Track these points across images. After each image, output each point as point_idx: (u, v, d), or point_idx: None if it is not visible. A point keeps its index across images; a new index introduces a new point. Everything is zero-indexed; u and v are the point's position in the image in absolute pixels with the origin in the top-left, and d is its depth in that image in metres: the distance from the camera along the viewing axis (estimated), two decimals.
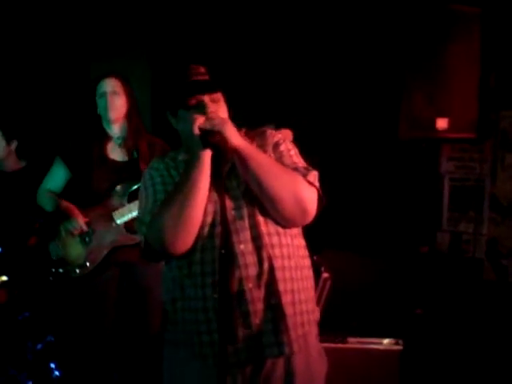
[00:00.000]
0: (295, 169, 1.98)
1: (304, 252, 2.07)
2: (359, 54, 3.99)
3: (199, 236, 1.92)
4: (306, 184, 1.94)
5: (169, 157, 2.11)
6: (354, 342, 3.20)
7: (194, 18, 4.39)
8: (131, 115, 3.25)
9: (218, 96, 2.00)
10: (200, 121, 1.88)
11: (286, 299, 1.94)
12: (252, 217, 1.94)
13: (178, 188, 1.91)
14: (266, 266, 1.92)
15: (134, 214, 3.01)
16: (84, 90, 4.49)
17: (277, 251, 1.95)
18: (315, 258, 3.32)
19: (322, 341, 3.11)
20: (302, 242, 2.07)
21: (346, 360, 3.16)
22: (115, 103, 3.19)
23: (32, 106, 4.61)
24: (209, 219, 1.93)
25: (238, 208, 1.94)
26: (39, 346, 3.67)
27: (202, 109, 1.93)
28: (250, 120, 2.20)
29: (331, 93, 4.11)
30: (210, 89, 1.98)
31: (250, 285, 1.90)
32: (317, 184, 1.99)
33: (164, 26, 4.48)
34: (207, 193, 1.91)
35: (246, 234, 1.93)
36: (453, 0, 3.44)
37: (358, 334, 3.24)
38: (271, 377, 1.95)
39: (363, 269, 3.61)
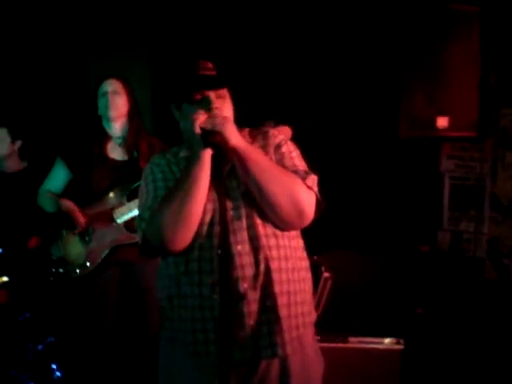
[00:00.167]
0: (295, 172, 1.98)
1: (302, 253, 2.07)
2: (359, 53, 3.98)
3: (198, 234, 1.92)
4: (305, 187, 1.94)
5: (170, 153, 2.11)
6: (354, 342, 3.20)
7: (194, 18, 4.39)
8: (132, 115, 3.27)
9: (224, 92, 1.99)
10: (201, 119, 1.88)
11: (281, 301, 1.93)
12: (250, 218, 1.94)
13: (179, 185, 1.91)
14: (262, 267, 1.92)
15: (134, 212, 3.01)
16: (84, 90, 4.50)
17: (274, 253, 1.95)
18: (316, 257, 3.33)
19: (322, 340, 3.15)
20: (300, 243, 2.07)
21: (347, 360, 3.16)
22: (116, 102, 3.21)
23: (32, 107, 4.61)
24: (208, 218, 1.93)
25: (236, 208, 1.94)
26: (40, 347, 3.67)
27: (206, 104, 1.92)
28: (250, 117, 2.20)
29: (331, 92, 4.11)
30: (216, 85, 1.97)
31: (246, 286, 1.90)
32: (315, 188, 1.99)
33: (164, 26, 4.48)
34: (207, 191, 1.91)
35: (244, 235, 1.93)
36: None
37: (359, 333, 3.24)
38: (266, 378, 1.95)
39: (364, 268, 3.60)
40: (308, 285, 2.07)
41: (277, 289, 1.93)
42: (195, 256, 1.93)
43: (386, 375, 3.16)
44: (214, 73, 2.02)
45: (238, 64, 4.02)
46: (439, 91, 3.40)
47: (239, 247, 1.91)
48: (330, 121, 4.14)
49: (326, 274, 3.29)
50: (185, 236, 1.90)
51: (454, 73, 3.38)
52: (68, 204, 3.20)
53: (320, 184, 2.05)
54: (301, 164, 2.05)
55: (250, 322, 1.90)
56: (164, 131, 3.59)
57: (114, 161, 3.25)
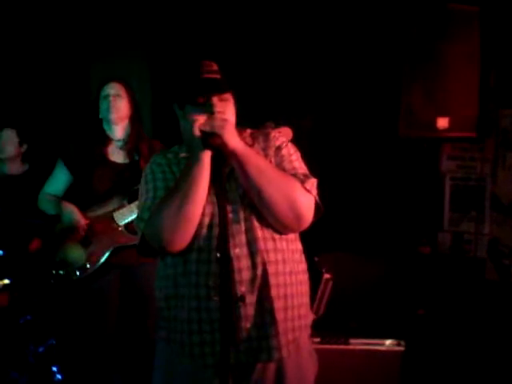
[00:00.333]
0: (294, 175, 1.98)
1: (300, 257, 2.07)
2: (359, 53, 3.98)
3: (196, 236, 1.92)
4: (303, 191, 1.94)
5: (171, 152, 2.11)
6: (356, 343, 3.20)
7: (193, 19, 4.38)
8: (133, 118, 3.28)
9: (227, 95, 1.99)
10: (200, 121, 1.88)
11: (278, 304, 1.94)
12: (248, 221, 1.94)
13: (178, 186, 1.91)
14: (259, 270, 1.92)
15: (135, 215, 3.01)
16: (84, 92, 4.50)
17: (271, 256, 1.95)
18: (316, 259, 3.32)
19: (324, 342, 3.16)
20: (298, 246, 2.07)
21: (348, 361, 3.17)
22: (118, 105, 3.21)
23: (33, 109, 4.61)
24: (207, 220, 1.93)
25: (234, 211, 1.94)
26: (41, 349, 3.66)
27: (209, 107, 1.92)
28: (250, 118, 2.20)
29: (332, 92, 4.11)
30: (220, 89, 1.97)
31: (244, 289, 1.90)
32: (314, 192, 1.98)
33: (163, 27, 4.48)
34: (206, 192, 1.91)
35: (242, 238, 1.93)
36: None
37: (360, 335, 3.24)
38: (262, 380, 1.96)
39: (365, 269, 3.60)
40: (305, 287, 2.07)
41: (273, 292, 1.93)
42: (193, 257, 1.93)
43: (386, 377, 3.16)
44: (218, 76, 2.01)
45: (238, 65, 4.01)
46: (439, 91, 3.41)
47: (237, 250, 1.91)
48: (331, 122, 4.14)
49: (327, 276, 3.28)
50: (183, 237, 1.90)
51: (453, 73, 3.38)
52: (69, 206, 3.20)
53: (321, 185, 2.05)
54: (300, 167, 2.05)
55: (247, 324, 1.91)
56: (164, 132, 3.59)
57: (114, 164, 3.25)
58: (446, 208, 3.92)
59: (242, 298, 1.89)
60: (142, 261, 2.97)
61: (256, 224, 1.94)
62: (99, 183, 3.20)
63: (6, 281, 3.68)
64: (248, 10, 4.19)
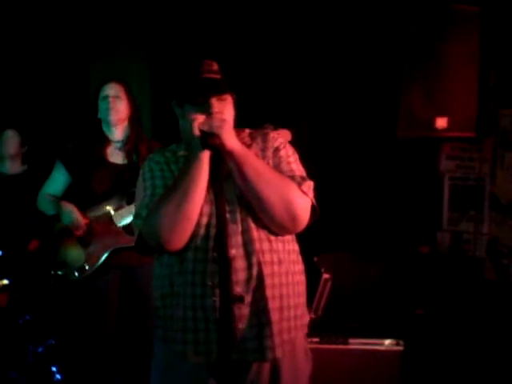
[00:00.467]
0: (291, 177, 1.98)
1: (296, 257, 2.07)
2: (358, 53, 3.98)
3: (194, 235, 1.92)
4: (300, 192, 1.94)
5: (169, 151, 2.11)
6: (355, 343, 3.21)
7: (193, 19, 4.38)
8: (132, 120, 3.27)
9: (226, 95, 2.00)
10: (199, 121, 1.88)
11: (273, 305, 1.94)
12: (245, 222, 1.95)
13: (177, 185, 1.91)
14: (254, 271, 1.92)
15: None
16: (83, 92, 4.50)
17: (267, 257, 1.95)
18: (316, 259, 3.33)
19: (323, 342, 3.16)
20: (294, 247, 2.07)
21: (348, 361, 3.17)
22: (117, 106, 3.20)
23: (32, 109, 4.61)
24: (204, 220, 1.93)
25: (231, 212, 1.94)
26: (40, 349, 3.67)
27: (207, 108, 1.93)
28: (249, 121, 2.20)
29: (330, 92, 4.11)
30: (219, 90, 1.97)
31: (239, 289, 1.90)
32: (311, 194, 1.98)
33: (163, 27, 4.48)
34: (205, 191, 1.92)
35: (238, 239, 1.93)
36: None
37: (359, 334, 3.24)
38: (257, 380, 1.96)
39: (364, 269, 3.61)
40: (302, 288, 2.07)
41: (269, 293, 1.93)
42: (190, 256, 1.93)
43: (386, 376, 3.17)
44: (218, 76, 2.01)
45: (237, 69, 4.01)
46: (438, 91, 3.40)
47: (233, 251, 1.91)
48: (329, 122, 4.14)
49: (326, 276, 3.29)
50: (181, 236, 1.90)
51: (453, 73, 3.38)
52: (68, 206, 3.20)
53: (320, 185, 2.06)
54: (298, 169, 2.05)
55: (242, 324, 1.91)
56: (163, 132, 3.59)
57: (113, 164, 3.24)
58: (444, 208, 3.92)
59: (241, 299, 1.89)
60: (142, 261, 2.97)
61: (252, 225, 1.95)
62: (98, 184, 3.19)
63: (5, 281, 3.68)
64: (247, 13, 4.19)
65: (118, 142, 3.27)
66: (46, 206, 3.33)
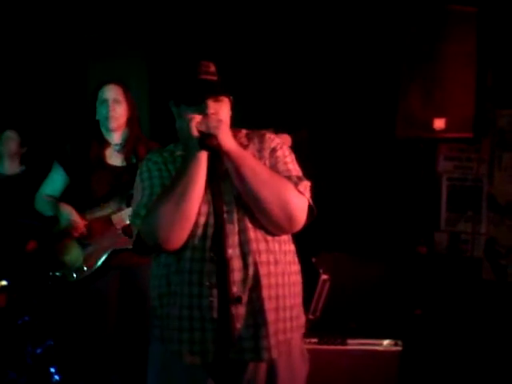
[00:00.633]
0: (288, 177, 1.99)
1: (293, 258, 2.08)
2: (356, 53, 3.99)
3: (191, 235, 1.92)
4: (296, 193, 1.95)
5: (167, 151, 2.12)
6: (353, 344, 3.21)
7: (192, 18, 4.38)
8: (131, 123, 3.25)
9: (222, 97, 2.00)
10: (196, 120, 1.90)
11: (269, 305, 1.94)
12: (241, 222, 1.95)
13: (175, 184, 1.91)
14: (251, 271, 1.93)
15: None
16: (81, 92, 4.49)
17: (263, 257, 1.95)
18: (314, 259, 3.33)
19: (321, 343, 3.16)
20: (291, 247, 2.08)
21: (346, 361, 3.17)
22: (116, 112, 3.18)
23: (30, 109, 4.60)
24: (202, 220, 1.94)
25: (228, 212, 1.95)
26: (39, 350, 3.67)
27: (203, 109, 1.94)
28: (248, 124, 2.21)
29: (328, 93, 4.11)
30: (215, 91, 1.98)
31: (235, 289, 1.91)
32: (308, 194, 1.99)
33: (161, 26, 4.48)
34: (203, 191, 1.92)
35: (235, 239, 1.94)
36: (449, 0, 3.44)
37: (358, 335, 3.24)
38: (254, 380, 1.97)
39: (362, 270, 3.61)
40: (298, 288, 2.08)
41: (265, 293, 1.94)
42: (187, 256, 1.94)
43: (384, 377, 3.17)
44: (214, 77, 2.02)
45: (233, 69, 4.01)
46: (436, 92, 3.41)
47: (230, 251, 1.92)
48: (327, 121, 4.14)
49: (324, 276, 3.29)
50: (180, 235, 1.91)
51: (450, 74, 3.38)
52: (66, 207, 3.19)
53: (318, 185, 2.06)
54: (295, 169, 2.06)
55: (238, 325, 1.91)
56: (162, 132, 3.59)
57: (112, 167, 3.23)
58: (442, 208, 3.92)
59: (239, 299, 1.89)
60: (141, 262, 2.97)
61: (249, 225, 1.95)
62: (97, 186, 3.18)
63: (4, 282, 3.69)
64: (248, 18, 4.20)
65: (116, 144, 3.26)
66: (43, 206, 3.33)
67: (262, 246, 1.96)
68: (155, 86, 4.59)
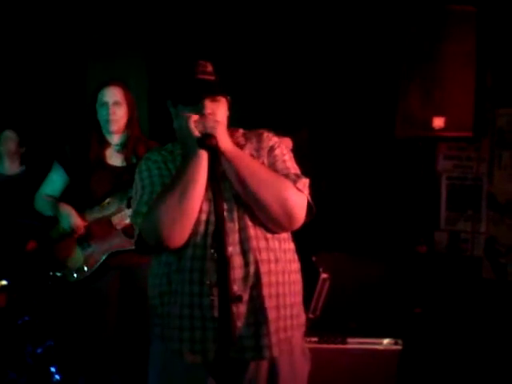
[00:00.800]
0: (286, 175, 2.00)
1: (292, 256, 2.08)
2: (356, 53, 3.99)
3: (192, 232, 1.93)
4: (295, 190, 1.96)
5: (166, 149, 2.12)
6: (353, 343, 3.21)
7: (192, 18, 4.38)
8: (132, 124, 3.23)
9: (219, 96, 2.00)
10: (194, 119, 1.91)
11: (269, 303, 1.94)
12: (241, 220, 1.96)
13: (176, 181, 1.92)
14: (252, 269, 1.93)
15: None
16: (80, 91, 4.49)
17: (264, 255, 1.96)
18: (314, 258, 3.33)
19: (321, 342, 3.16)
20: (290, 246, 2.08)
21: (346, 360, 3.17)
22: (117, 114, 3.17)
23: (29, 110, 4.60)
24: (203, 217, 1.94)
25: (229, 210, 1.95)
26: (39, 350, 3.67)
27: (200, 109, 1.95)
28: (247, 123, 2.21)
29: (328, 92, 4.11)
30: (212, 91, 1.99)
31: (236, 287, 1.90)
32: (306, 191, 2.00)
33: (161, 26, 4.48)
34: (204, 188, 1.93)
35: (235, 237, 1.94)
36: (449, 0, 3.44)
37: (358, 334, 3.24)
38: (255, 379, 1.97)
39: (362, 269, 3.61)
40: (298, 287, 2.08)
41: (265, 291, 1.94)
42: (188, 254, 1.94)
43: (384, 376, 3.17)
44: (212, 77, 2.02)
45: (233, 70, 4.02)
46: (435, 91, 3.41)
47: (230, 249, 1.91)
48: (327, 121, 4.14)
49: (324, 275, 3.29)
50: (182, 232, 1.91)
51: (450, 73, 3.38)
52: (66, 208, 3.19)
53: (317, 185, 2.06)
54: (293, 167, 2.06)
55: (239, 323, 1.91)
56: (161, 132, 3.59)
57: (112, 167, 3.23)
58: (442, 207, 3.93)
59: (240, 298, 1.89)
60: (141, 261, 2.96)
61: (249, 223, 1.96)
62: (97, 186, 3.17)
63: (4, 282, 3.69)
64: (248, 19, 4.20)
65: (117, 145, 3.26)
66: (43, 206, 3.32)
67: (262, 243, 1.96)
68: (154, 86, 4.59)
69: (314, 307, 3.27)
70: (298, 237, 2.11)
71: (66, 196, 3.31)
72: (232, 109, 2.07)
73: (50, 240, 3.27)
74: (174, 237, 1.90)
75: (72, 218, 3.15)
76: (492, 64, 3.61)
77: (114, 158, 3.25)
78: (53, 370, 3.66)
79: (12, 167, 4.16)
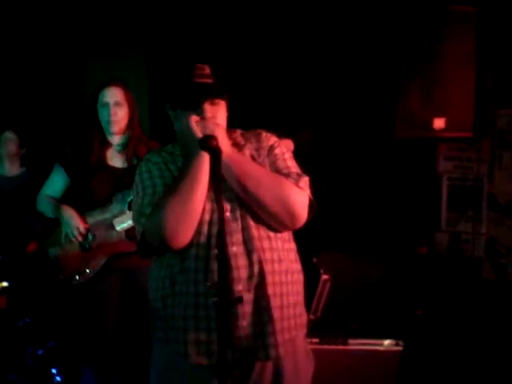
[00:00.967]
0: (287, 174, 2.01)
1: (295, 256, 2.09)
2: (356, 53, 3.99)
3: (196, 232, 1.93)
4: (297, 189, 1.97)
5: (166, 151, 2.12)
6: (354, 344, 3.21)
7: (192, 18, 4.38)
8: (133, 125, 3.23)
9: (219, 99, 2.01)
10: (195, 119, 1.92)
11: (274, 303, 1.95)
12: (244, 220, 1.97)
13: (180, 182, 1.92)
14: (256, 269, 1.93)
15: None
16: (80, 91, 4.49)
17: (267, 255, 1.96)
18: (315, 260, 3.33)
19: (322, 343, 3.16)
20: (292, 246, 2.09)
21: (347, 361, 3.18)
22: (118, 115, 3.16)
23: (29, 110, 4.60)
24: (206, 217, 1.95)
25: (232, 210, 1.96)
26: (40, 352, 3.67)
27: (200, 112, 1.95)
28: (248, 124, 2.21)
29: (328, 93, 4.11)
30: (211, 94, 1.99)
31: (241, 287, 1.91)
32: (308, 190, 2.01)
33: (161, 26, 4.48)
34: (206, 188, 1.93)
35: (239, 237, 1.95)
36: (449, 0, 3.45)
37: (359, 335, 3.25)
38: (260, 379, 1.97)
39: (362, 270, 3.61)
40: (300, 287, 2.08)
41: (270, 290, 1.94)
42: (192, 254, 1.94)
43: (385, 376, 3.17)
44: (210, 80, 2.02)
45: (233, 70, 4.02)
46: (435, 91, 3.41)
47: (234, 248, 1.93)
48: (327, 122, 4.14)
49: (325, 276, 3.29)
50: (185, 233, 1.91)
51: (450, 73, 3.39)
52: (68, 211, 3.18)
53: (318, 186, 2.07)
54: (293, 165, 2.07)
55: (244, 323, 1.91)
56: (161, 132, 3.58)
57: (113, 168, 3.22)
58: (443, 208, 3.93)
59: (240, 300, 1.89)
60: (142, 264, 2.96)
61: (251, 223, 1.97)
62: (98, 187, 3.16)
63: (5, 283, 3.68)
64: (248, 20, 4.20)
65: (118, 145, 3.25)
66: (45, 207, 3.31)
67: (266, 243, 1.97)
68: (155, 86, 4.59)
69: (314, 308, 3.27)
70: (299, 238, 2.12)
71: (68, 197, 3.31)
72: (233, 110, 2.08)
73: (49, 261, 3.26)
74: (177, 237, 1.90)
75: (74, 220, 3.14)
76: (492, 64, 3.61)
77: (115, 159, 3.24)
78: (54, 371, 3.66)
79: (12, 169, 4.16)
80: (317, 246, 3.57)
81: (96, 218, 3.17)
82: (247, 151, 2.05)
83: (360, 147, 4.04)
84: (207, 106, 1.96)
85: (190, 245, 1.93)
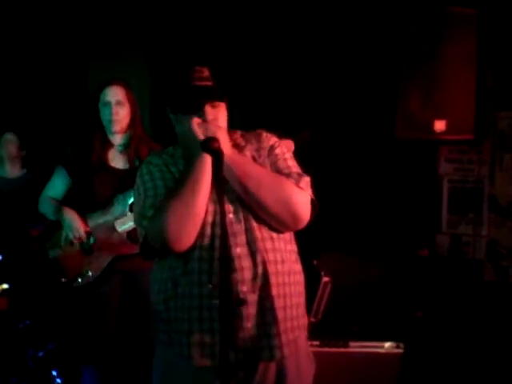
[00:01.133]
0: (288, 174, 2.01)
1: (296, 257, 2.09)
2: (357, 55, 3.99)
3: (199, 234, 1.93)
4: (298, 189, 1.97)
5: (167, 153, 2.11)
6: (355, 346, 3.21)
7: (193, 19, 4.39)
8: (134, 124, 3.21)
9: (219, 101, 2.00)
10: (197, 122, 1.92)
11: (278, 304, 1.95)
12: (247, 221, 1.96)
13: (182, 184, 1.92)
14: (260, 270, 1.93)
15: None
16: (81, 91, 4.49)
17: (271, 256, 1.96)
18: (315, 262, 3.33)
19: (323, 345, 3.16)
20: (294, 247, 2.09)
21: (348, 364, 3.17)
22: (119, 115, 3.15)
23: (30, 111, 4.60)
24: (209, 219, 1.94)
25: (235, 211, 1.96)
26: (40, 354, 3.67)
27: (201, 115, 1.95)
28: (248, 124, 2.21)
29: (328, 94, 4.11)
30: (211, 96, 1.99)
31: (245, 288, 1.91)
32: (309, 190, 2.01)
33: (162, 26, 4.48)
34: (209, 190, 1.93)
35: (242, 238, 1.94)
36: (450, 1, 3.45)
37: (359, 337, 3.24)
38: (264, 380, 1.96)
39: (363, 272, 3.60)
40: (302, 288, 2.08)
41: (274, 291, 1.94)
42: (195, 256, 1.93)
43: (386, 379, 3.17)
44: (209, 83, 2.02)
45: (233, 71, 4.02)
46: (436, 94, 3.41)
47: (238, 250, 1.92)
48: (328, 123, 4.14)
49: (326, 279, 3.29)
50: (188, 235, 1.91)
51: (451, 75, 3.39)
52: (70, 213, 3.17)
53: (318, 187, 2.07)
54: (294, 165, 2.07)
55: (249, 324, 1.91)
56: (163, 133, 3.57)
57: (115, 169, 3.20)
58: (444, 210, 3.93)
59: (242, 302, 1.89)
60: (144, 266, 2.95)
61: (254, 224, 1.96)
62: (100, 189, 3.15)
63: (5, 285, 3.68)
64: (249, 21, 4.20)
65: (120, 145, 3.24)
66: (47, 209, 3.30)
67: (269, 244, 1.97)
68: (156, 87, 4.59)
69: (315, 311, 3.27)
70: (300, 240, 2.12)
71: (70, 199, 3.30)
72: (233, 111, 2.07)
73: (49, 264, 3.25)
74: (180, 240, 1.90)
75: (74, 223, 3.13)
76: (493, 66, 3.61)
77: (117, 160, 3.23)
78: (54, 373, 3.66)
79: (13, 170, 4.16)
80: (317, 248, 3.57)
81: (97, 220, 3.16)
82: (248, 152, 2.05)
83: (360, 148, 4.04)
84: (208, 109, 1.96)
85: (194, 247, 1.93)
